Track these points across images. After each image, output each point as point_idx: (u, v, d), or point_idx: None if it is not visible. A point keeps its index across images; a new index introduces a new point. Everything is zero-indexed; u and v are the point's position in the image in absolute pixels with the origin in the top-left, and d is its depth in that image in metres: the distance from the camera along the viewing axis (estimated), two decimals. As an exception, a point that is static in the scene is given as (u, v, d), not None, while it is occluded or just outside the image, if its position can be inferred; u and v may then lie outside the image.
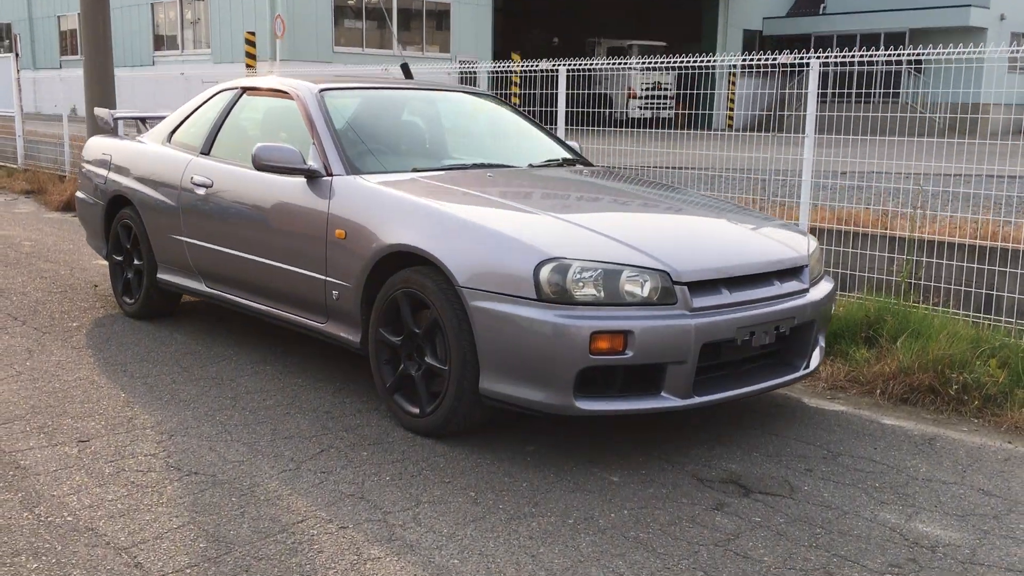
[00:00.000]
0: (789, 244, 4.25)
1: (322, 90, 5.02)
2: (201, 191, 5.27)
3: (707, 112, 8.63)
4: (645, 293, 3.64)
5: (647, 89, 34.01)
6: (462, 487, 3.58)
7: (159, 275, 5.82)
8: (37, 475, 3.62)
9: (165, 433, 4.09)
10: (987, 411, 4.50)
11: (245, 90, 5.49)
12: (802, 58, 6.47)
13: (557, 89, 7.83)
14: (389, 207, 4.21)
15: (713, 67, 7.46)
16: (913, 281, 5.83)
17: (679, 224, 4.24)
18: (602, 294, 3.61)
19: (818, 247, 4.50)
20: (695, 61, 7.42)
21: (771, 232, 4.35)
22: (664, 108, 26.66)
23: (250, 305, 5.10)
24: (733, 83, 36.47)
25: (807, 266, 4.21)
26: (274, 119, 5.35)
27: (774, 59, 6.97)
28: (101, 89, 12.08)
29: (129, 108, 9.33)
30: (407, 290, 4.05)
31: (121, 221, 6.08)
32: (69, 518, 3.26)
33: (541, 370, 3.61)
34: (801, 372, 4.18)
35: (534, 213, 4.04)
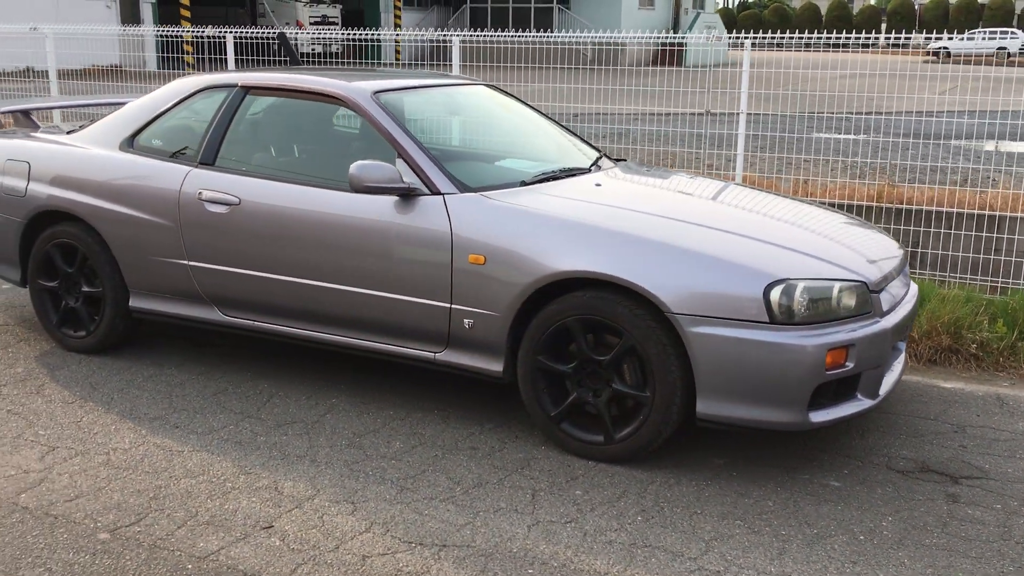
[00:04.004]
0: (895, 242, 4.59)
1: (376, 92, 4.56)
2: (220, 208, 4.60)
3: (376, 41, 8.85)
4: (853, 305, 3.81)
5: (315, 23, 33.15)
6: (719, 516, 3.59)
7: (132, 303, 5.02)
8: (292, 582, 3.14)
9: (342, 503, 3.66)
10: (1009, 365, 5.18)
11: (248, 89, 4.81)
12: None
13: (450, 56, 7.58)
14: (550, 230, 3.98)
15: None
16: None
17: (827, 230, 4.38)
18: (820, 310, 3.73)
19: None
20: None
21: (875, 231, 4.66)
22: (333, 42, 26.10)
23: (302, 334, 4.59)
24: (398, 15, 36.27)
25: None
26: (307, 125, 4.78)
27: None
28: None
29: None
30: (583, 317, 3.90)
31: (54, 241, 5.13)
32: (404, 630, 2.89)
33: (776, 390, 3.67)
34: (903, 353, 4.57)
35: (717, 231, 4.02)
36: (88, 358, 5.15)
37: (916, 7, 66.17)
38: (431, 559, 3.27)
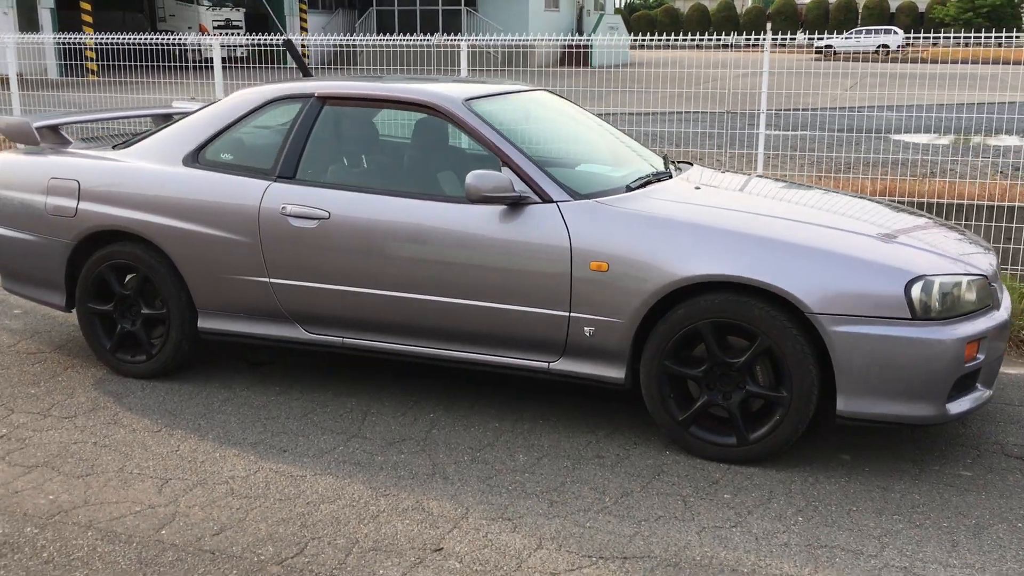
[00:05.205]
0: (981, 239, 4.72)
1: (467, 100, 4.48)
2: (307, 223, 4.45)
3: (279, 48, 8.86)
4: (977, 298, 3.92)
5: (218, 27, 32.33)
6: (874, 512, 3.64)
7: (201, 324, 4.81)
8: (487, 605, 3.05)
9: (498, 520, 3.58)
10: (1060, 352, 5.41)
11: (326, 100, 4.66)
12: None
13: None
14: (677, 234, 3.97)
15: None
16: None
17: (928, 229, 4.48)
18: (950, 304, 3.82)
19: None
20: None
21: (957, 229, 4.79)
22: (239, 47, 25.57)
23: (399, 349, 4.47)
24: (304, 19, 35.70)
25: None
26: (392, 135, 4.64)
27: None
28: None
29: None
30: (715, 320, 3.91)
31: (108, 261, 4.88)
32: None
33: (918, 385, 3.74)
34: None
35: (840, 231, 4.06)
36: (151, 384, 4.91)
37: (798, 7, 68.44)
38: (620, 573, 3.23)
